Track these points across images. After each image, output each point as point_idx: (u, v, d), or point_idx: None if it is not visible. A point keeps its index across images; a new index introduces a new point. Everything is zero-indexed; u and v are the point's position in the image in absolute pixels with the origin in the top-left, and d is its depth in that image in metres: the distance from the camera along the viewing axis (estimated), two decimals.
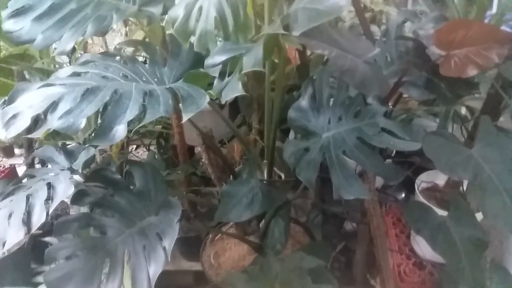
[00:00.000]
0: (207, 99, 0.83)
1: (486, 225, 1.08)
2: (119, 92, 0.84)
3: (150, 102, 0.82)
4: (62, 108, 0.80)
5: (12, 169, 2.28)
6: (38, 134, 0.77)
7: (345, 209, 1.72)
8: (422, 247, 1.62)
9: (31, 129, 0.82)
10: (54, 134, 1.21)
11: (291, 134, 1.35)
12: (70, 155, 1.05)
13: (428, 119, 1.73)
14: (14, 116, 0.82)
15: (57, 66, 1.73)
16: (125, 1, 1.15)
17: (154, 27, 1.29)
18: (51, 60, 1.72)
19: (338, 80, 1.04)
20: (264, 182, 1.12)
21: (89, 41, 1.87)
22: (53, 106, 0.81)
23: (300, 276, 1.05)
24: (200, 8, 0.97)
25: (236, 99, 1.70)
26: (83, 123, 0.76)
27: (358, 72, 0.85)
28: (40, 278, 1.27)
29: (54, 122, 0.77)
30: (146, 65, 1.02)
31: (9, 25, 1.09)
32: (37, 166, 1.68)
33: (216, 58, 0.92)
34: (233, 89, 0.72)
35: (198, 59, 1.06)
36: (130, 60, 1.02)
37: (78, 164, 0.94)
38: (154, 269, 0.82)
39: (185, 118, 0.78)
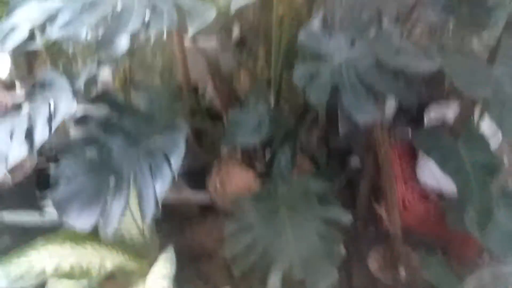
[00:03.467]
0: (214, 13, 0.78)
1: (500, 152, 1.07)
2: (119, 6, 0.80)
3: (153, 16, 0.78)
4: (61, 19, 0.76)
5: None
6: (37, 44, 0.74)
7: (351, 142, 1.71)
8: (428, 179, 1.62)
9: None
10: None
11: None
12: (73, 78, 1.02)
13: None
14: (12, 30, 0.78)
15: None
16: None
17: None
18: None
19: (351, 1, 0.98)
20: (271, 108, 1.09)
21: None
22: (52, 18, 0.77)
23: (306, 199, 1.05)
24: None
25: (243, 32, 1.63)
26: (84, 32, 0.72)
27: None
28: (45, 203, 1.28)
29: (54, 31, 0.73)
30: None
31: None
32: None
33: None
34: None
35: None
36: None
37: (79, 82, 0.90)
38: (161, 187, 0.82)
39: (190, 33, 0.75)
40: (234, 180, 1.31)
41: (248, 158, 1.35)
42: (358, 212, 1.67)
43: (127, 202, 0.81)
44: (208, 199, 1.53)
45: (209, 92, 1.20)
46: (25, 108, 0.91)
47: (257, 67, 1.35)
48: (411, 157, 1.73)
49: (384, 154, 1.25)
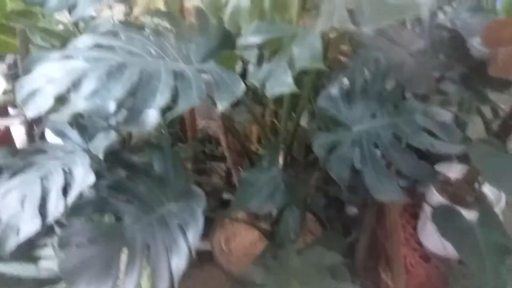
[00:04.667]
0: (243, 87, 0.76)
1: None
2: (146, 72, 0.77)
3: (181, 86, 0.75)
4: (87, 87, 0.73)
5: (7, 131, 2.17)
6: (63, 115, 0.70)
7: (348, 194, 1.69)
8: (429, 240, 1.60)
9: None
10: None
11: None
12: (84, 131, 0.98)
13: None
14: (33, 93, 0.75)
15: (60, 26, 1.63)
16: None
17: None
18: (55, 20, 1.62)
19: (373, 70, 0.98)
20: (285, 171, 1.07)
21: None
22: (77, 84, 0.74)
23: (319, 273, 1.02)
24: None
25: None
26: (112, 105, 0.69)
27: (405, 67, 0.79)
28: (40, 252, 1.22)
29: (79, 103, 0.70)
30: (172, 39, 0.94)
31: None
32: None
33: (249, 39, 0.85)
34: (281, 83, 0.65)
35: (227, 37, 0.98)
36: (155, 32, 0.94)
37: (96, 147, 0.87)
38: (177, 264, 0.78)
39: (220, 108, 0.72)
40: (240, 239, 1.28)
41: (253, 214, 1.32)
42: (356, 264, 1.65)
43: (140, 278, 0.77)
44: (206, 246, 1.49)
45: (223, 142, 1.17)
46: (35, 167, 0.87)
47: (268, 122, 1.33)
48: (412, 216, 1.72)
49: (393, 222, 1.24)
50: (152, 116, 0.70)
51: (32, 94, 0.75)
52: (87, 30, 1.08)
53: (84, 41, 0.88)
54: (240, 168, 1.22)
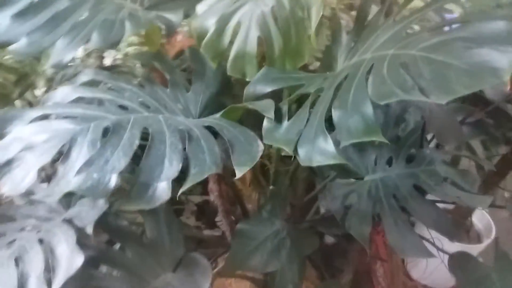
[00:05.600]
0: (261, 146, 0.66)
1: None
2: (149, 133, 0.66)
3: (191, 149, 0.64)
4: (78, 156, 0.61)
5: None
6: (55, 196, 0.57)
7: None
8: (418, 274, 1.57)
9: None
10: None
11: None
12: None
13: None
14: (9, 164, 0.61)
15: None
16: (130, 0, 0.94)
17: (152, 32, 1.07)
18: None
19: (384, 115, 0.91)
20: (287, 221, 0.97)
21: None
22: (65, 151, 0.61)
23: None
24: (238, 24, 0.79)
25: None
26: (113, 180, 0.57)
27: (433, 116, 0.72)
28: None
29: (70, 178, 0.57)
30: (167, 89, 0.82)
31: None
32: None
33: (259, 88, 0.76)
34: (322, 153, 0.55)
35: (226, 83, 0.88)
36: (147, 80, 0.82)
37: (82, 217, 0.73)
38: None
39: (238, 174, 0.62)
40: None
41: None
42: None
43: None
44: None
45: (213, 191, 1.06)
46: (2, 238, 0.72)
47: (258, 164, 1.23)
48: None
49: (395, 265, 1.17)
50: (162, 191, 0.58)
51: (7, 166, 0.61)
52: (62, 80, 0.93)
53: (64, 94, 0.76)
54: (233, 218, 1.11)
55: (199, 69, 0.86)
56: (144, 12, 0.87)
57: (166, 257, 0.82)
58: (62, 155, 0.61)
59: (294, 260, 0.94)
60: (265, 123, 0.69)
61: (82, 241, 0.77)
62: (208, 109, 0.83)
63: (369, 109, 0.51)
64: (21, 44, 0.84)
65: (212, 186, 1.06)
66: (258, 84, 0.76)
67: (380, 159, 0.89)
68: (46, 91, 1.47)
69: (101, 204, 0.72)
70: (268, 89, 0.75)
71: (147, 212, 0.84)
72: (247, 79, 0.80)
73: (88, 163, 0.59)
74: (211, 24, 0.81)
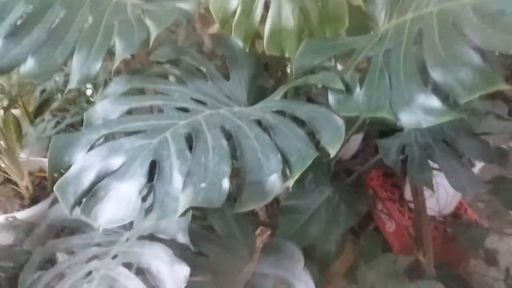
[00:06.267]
0: (341, 120, 0.65)
1: None
2: (233, 132, 0.62)
3: (278, 138, 0.62)
4: (170, 170, 0.57)
5: None
6: (169, 217, 0.53)
7: None
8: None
9: None
10: None
11: None
12: None
13: None
14: (94, 195, 0.56)
15: None
16: None
17: None
18: None
19: None
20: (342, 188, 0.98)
21: None
22: (157, 169, 0.57)
23: (397, 280, 0.97)
24: (267, 0, 0.76)
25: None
26: (225, 184, 0.54)
27: None
28: None
29: (177, 195, 0.54)
30: (208, 82, 0.78)
31: None
32: None
33: (307, 61, 0.74)
34: (433, 112, 0.54)
35: (260, 64, 0.85)
36: (185, 77, 0.77)
37: (160, 228, 0.67)
38: None
39: (332, 153, 0.60)
40: None
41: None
42: None
43: None
44: None
45: None
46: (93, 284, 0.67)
47: None
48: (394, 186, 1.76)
49: (421, 203, 1.23)
50: (273, 184, 0.56)
51: (92, 198, 0.56)
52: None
53: (108, 110, 0.70)
54: None
55: (231, 55, 0.82)
56: (157, 5, 0.81)
57: (243, 249, 0.81)
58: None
59: (351, 224, 0.96)
60: (333, 95, 0.68)
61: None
62: (253, 95, 0.81)
63: (476, 59, 0.51)
64: (30, 65, 0.76)
65: None
66: (305, 58, 0.74)
67: None
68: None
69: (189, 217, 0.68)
70: (317, 60, 0.74)
71: (213, 211, 0.81)
72: (287, 55, 0.78)
73: (190, 175, 0.55)
74: (234, 5, 0.78)
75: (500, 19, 0.52)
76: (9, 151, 1.35)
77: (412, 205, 1.57)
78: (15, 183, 1.40)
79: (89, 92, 1.38)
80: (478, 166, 1.43)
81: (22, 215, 1.25)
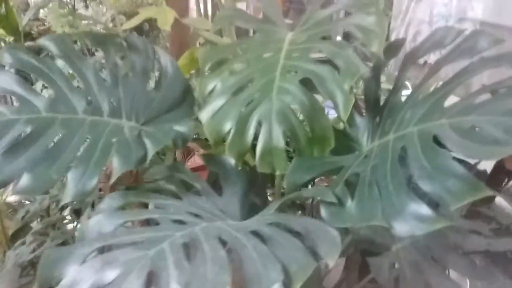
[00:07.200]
0: (336, 231, 0.66)
1: None
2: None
3: (276, 250, 0.62)
4: (166, 281, 0.55)
5: None
6: None
7: None
8: None
9: None
10: None
11: None
12: None
13: None
14: None
15: None
16: (125, 119, 0.93)
17: None
18: None
19: None
20: None
21: None
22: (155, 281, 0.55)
23: None
24: (259, 123, 0.82)
25: None
26: None
27: None
28: None
29: None
30: (202, 197, 0.79)
31: None
32: None
33: (298, 178, 0.78)
34: (424, 220, 0.57)
35: (253, 180, 0.88)
36: (180, 191, 0.79)
37: None
38: None
39: (330, 263, 0.60)
40: None
41: None
42: None
43: None
44: None
45: None
46: None
47: None
48: None
49: None
50: None
51: None
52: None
53: (102, 224, 0.70)
54: None
55: (223, 173, 0.85)
56: (154, 128, 0.86)
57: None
58: None
59: None
60: (325, 208, 0.70)
61: None
62: (246, 210, 0.82)
63: (460, 169, 0.56)
64: (25, 181, 0.78)
65: None
66: (296, 175, 0.78)
67: None
68: None
69: None
70: (308, 177, 0.78)
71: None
72: (277, 173, 0.82)
73: (188, 285, 0.54)
74: (228, 127, 0.83)
75: (474, 133, 0.58)
76: None
77: None
78: None
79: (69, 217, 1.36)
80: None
81: None
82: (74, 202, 1.26)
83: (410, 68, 0.80)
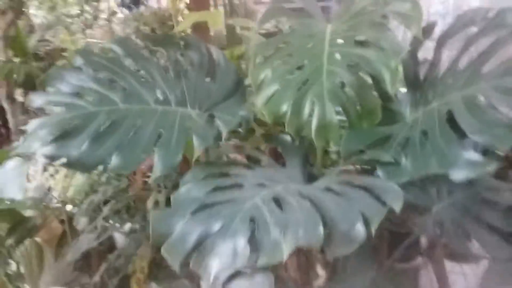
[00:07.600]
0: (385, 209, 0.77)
1: None
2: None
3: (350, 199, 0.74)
4: (264, 225, 0.66)
5: None
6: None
7: None
8: None
9: None
10: None
11: None
12: None
13: None
14: (201, 252, 0.65)
15: None
16: (190, 107, 1.04)
17: None
18: None
19: None
20: None
21: None
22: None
23: None
24: (312, 102, 0.93)
25: None
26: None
27: None
28: None
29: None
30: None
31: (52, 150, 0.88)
32: None
33: (353, 147, 0.89)
34: (473, 164, 0.69)
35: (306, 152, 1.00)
36: (252, 163, 0.91)
37: None
38: None
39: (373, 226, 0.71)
40: None
41: None
42: None
43: None
44: None
45: None
46: None
47: None
48: None
49: None
50: (359, 231, 0.66)
51: (203, 255, 0.65)
52: None
53: (200, 189, 0.80)
54: None
55: (284, 148, 0.97)
56: (224, 112, 0.98)
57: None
58: None
59: None
60: (382, 168, 0.81)
61: None
62: (306, 178, 0.93)
63: (505, 119, 0.67)
64: (116, 160, 0.89)
65: None
66: (351, 145, 0.89)
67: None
68: None
69: None
70: (361, 146, 0.89)
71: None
72: (332, 145, 0.93)
73: (287, 226, 0.65)
74: (285, 108, 0.94)
75: None
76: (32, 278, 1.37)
77: None
78: None
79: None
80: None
81: None
82: None
83: (445, 45, 0.92)
